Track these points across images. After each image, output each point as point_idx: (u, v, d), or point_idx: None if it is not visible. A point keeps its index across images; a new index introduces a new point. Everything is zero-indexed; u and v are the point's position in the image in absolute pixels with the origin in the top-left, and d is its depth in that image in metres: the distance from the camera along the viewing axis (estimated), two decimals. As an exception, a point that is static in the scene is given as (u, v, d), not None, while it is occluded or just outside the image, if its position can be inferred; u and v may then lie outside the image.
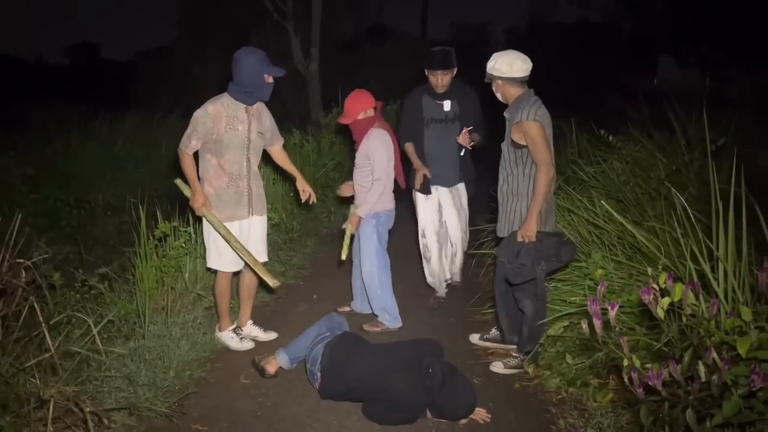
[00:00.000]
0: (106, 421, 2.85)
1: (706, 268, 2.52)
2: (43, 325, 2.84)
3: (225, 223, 3.70)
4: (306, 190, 4.12)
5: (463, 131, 4.31)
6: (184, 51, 18.74)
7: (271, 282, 3.78)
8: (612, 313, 2.25)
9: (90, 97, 15.01)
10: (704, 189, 4.14)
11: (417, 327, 4.37)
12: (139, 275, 4.03)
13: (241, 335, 4.06)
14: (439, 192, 4.60)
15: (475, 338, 4.15)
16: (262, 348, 3.98)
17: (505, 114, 3.54)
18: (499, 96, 3.56)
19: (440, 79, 4.27)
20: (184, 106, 12.62)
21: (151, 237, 4.06)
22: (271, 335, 4.16)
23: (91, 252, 5.78)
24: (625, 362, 2.23)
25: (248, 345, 4.01)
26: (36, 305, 2.87)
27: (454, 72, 4.31)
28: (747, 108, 6.21)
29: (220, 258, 3.84)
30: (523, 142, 3.38)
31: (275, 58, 3.64)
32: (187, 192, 3.78)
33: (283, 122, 10.14)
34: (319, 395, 3.37)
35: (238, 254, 3.74)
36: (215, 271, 3.96)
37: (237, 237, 3.73)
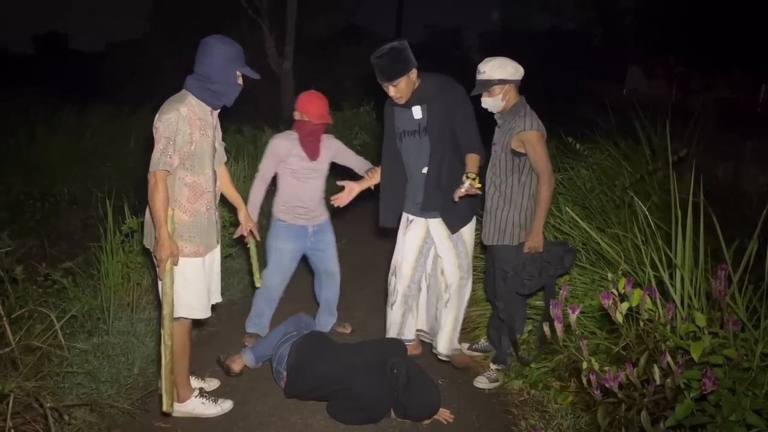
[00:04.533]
0: (66, 417, 2.82)
1: (665, 275, 2.60)
2: (4, 318, 2.79)
3: (201, 258, 3.00)
4: (248, 226, 3.51)
5: (461, 187, 3.09)
6: (155, 44, 18.50)
7: (166, 405, 2.89)
8: (573, 317, 2.30)
9: (57, 89, 14.70)
10: (667, 198, 4.24)
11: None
12: (105, 271, 3.98)
13: (209, 395, 3.28)
14: (429, 223, 3.62)
15: (464, 348, 4.00)
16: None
17: (498, 119, 3.48)
18: (497, 103, 3.40)
19: (393, 91, 3.37)
20: (155, 100, 12.51)
21: (118, 232, 4.01)
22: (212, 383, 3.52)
23: (54, 246, 5.66)
24: (584, 365, 2.29)
25: (227, 405, 3.28)
26: (-4, 298, 2.82)
27: (411, 74, 3.32)
28: (709, 120, 6.38)
29: (190, 302, 2.99)
30: (522, 150, 3.32)
31: (249, 56, 3.14)
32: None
33: (255, 121, 10.15)
34: (284, 394, 3.38)
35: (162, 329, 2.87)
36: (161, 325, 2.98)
37: (208, 269, 3.08)
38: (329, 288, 4.18)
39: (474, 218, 3.67)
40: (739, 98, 7.96)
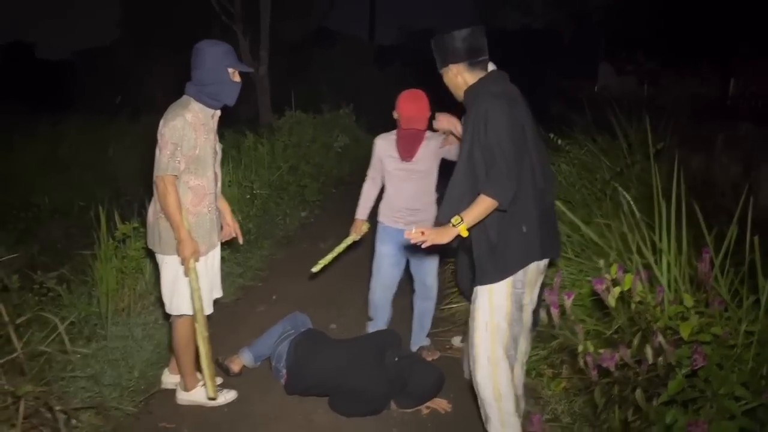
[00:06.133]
0: (74, 421, 2.86)
1: (651, 260, 2.74)
2: (9, 325, 2.82)
3: (203, 257, 3.12)
4: (236, 232, 3.47)
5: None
6: (126, 51, 18.34)
7: (210, 392, 3.15)
8: (567, 302, 2.42)
9: (28, 98, 14.51)
10: (645, 190, 4.40)
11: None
12: (99, 277, 4.01)
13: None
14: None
15: (456, 341, 4.11)
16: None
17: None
18: None
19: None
20: (131, 108, 12.49)
21: (111, 239, 4.04)
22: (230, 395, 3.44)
23: (40, 255, 5.66)
24: (580, 347, 2.41)
25: (231, 395, 3.39)
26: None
27: (449, 70, 2.69)
28: (681, 114, 6.57)
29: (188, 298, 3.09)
30: None
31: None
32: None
33: (233, 125, 10.15)
34: (285, 391, 3.45)
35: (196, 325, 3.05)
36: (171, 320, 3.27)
37: (210, 267, 3.22)
38: (422, 301, 3.88)
39: None
40: (708, 92, 8.24)
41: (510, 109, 2.47)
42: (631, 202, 3.25)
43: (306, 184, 8.13)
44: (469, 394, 3.51)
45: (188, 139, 2.89)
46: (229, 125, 10.48)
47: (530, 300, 2.64)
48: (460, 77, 2.65)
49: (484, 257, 2.58)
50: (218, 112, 3.11)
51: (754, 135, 5.77)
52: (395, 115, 3.47)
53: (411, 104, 3.40)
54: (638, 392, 2.23)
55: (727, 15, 10.35)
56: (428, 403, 3.34)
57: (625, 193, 3.43)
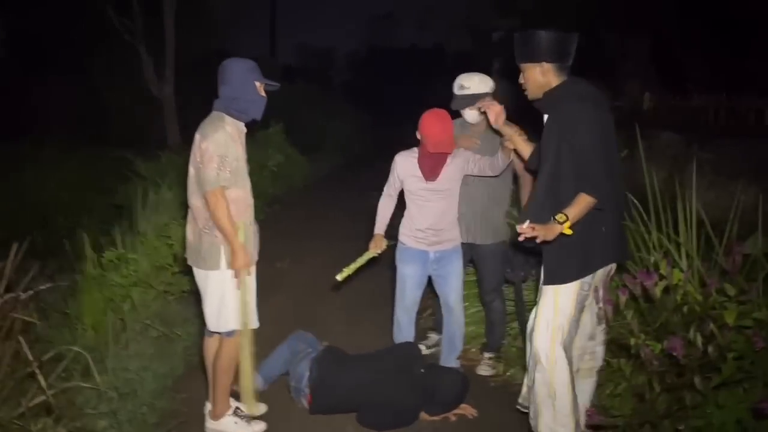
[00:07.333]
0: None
1: (675, 255, 2.98)
2: (34, 363, 2.61)
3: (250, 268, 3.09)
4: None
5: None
6: (13, 73, 17.01)
7: (248, 408, 3.19)
8: (622, 299, 2.58)
9: None
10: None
11: (371, 330, 4.52)
12: (82, 308, 3.75)
13: (243, 415, 3.22)
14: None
15: (422, 349, 4.14)
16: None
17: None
18: (477, 115, 3.55)
19: (521, 77, 2.83)
20: (29, 136, 11.52)
21: (96, 266, 3.80)
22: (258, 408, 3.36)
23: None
24: (633, 341, 2.57)
25: (260, 428, 3.23)
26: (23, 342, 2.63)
27: (536, 68, 2.72)
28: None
29: (239, 314, 3.05)
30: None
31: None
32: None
33: (138, 147, 9.61)
34: (309, 410, 3.38)
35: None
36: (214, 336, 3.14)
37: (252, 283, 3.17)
38: (447, 325, 3.71)
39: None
40: (623, 106, 8.95)
41: (596, 111, 2.59)
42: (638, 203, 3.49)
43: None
44: (486, 397, 3.62)
45: (232, 150, 2.92)
46: (132, 146, 9.93)
47: (590, 301, 2.72)
48: (546, 76, 2.69)
49: (559, 257, 2.62)
50: (244, 127, 3.12)
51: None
52: (418, 135, 3.41)
53: (438, 126, 3.31)
54: (697, 379, 2.41)
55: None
56: (455, 410, 3.40)
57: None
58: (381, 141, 15.37)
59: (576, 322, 2.71)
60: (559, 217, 2.47)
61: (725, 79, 7.78)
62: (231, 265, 2.94)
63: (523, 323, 3.60)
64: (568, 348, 2.70)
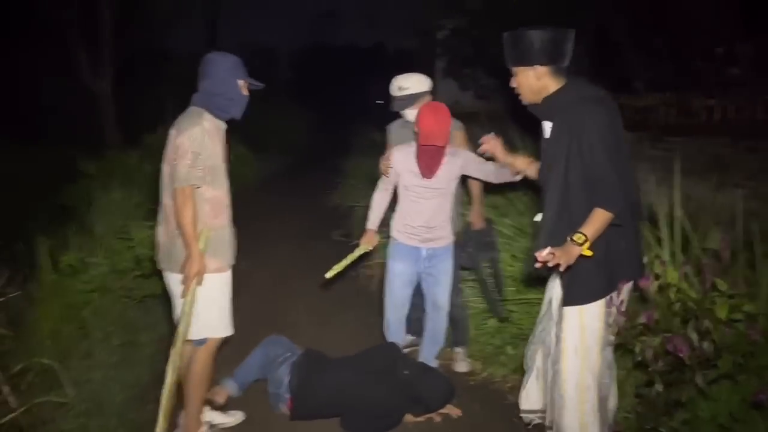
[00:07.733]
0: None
1: (664, 255, 3.01)
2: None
3: (224, 273, 2.95)
4: None
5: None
6: None
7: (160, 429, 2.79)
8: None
9: None
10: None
11: (342, 331, 4.45)
12: (40, 317, 3.50)
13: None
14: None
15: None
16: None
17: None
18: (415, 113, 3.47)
19: (513, 81, 2.66)
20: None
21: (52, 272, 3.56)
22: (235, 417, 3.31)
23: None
24: (638, 347, 2.54)
25: (239, 415, 3.29)
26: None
27: (530, 71, 2.54)
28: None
29: (213, 321, 2.91)
30: None
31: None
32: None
33: (77, 145, 9.13)
34: (289, 416, 3.25)
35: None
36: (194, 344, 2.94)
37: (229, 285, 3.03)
38: (432, 321, 3.63)
39: None
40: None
41: (609, 116, 2.40)
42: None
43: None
44: (470, 396, 3.58)
45: (207, 147, 2.76)
46: (70, 144, 9.37)
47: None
48: (540, 81, 2.49)
49: (580, 275, 2.42)
50: (224, 125, 2.96)
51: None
52: (415, 128, 3.28)
53: (430, 118, 3.16)
54: (698, 375, 2.42)
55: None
56: (440, 410, 3.34)
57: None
58: (328, 139, 15.26)
59: (608, 343, 2.53)
60: (577, 237, 2.30)
61: (672, 79, 7.98)
62: (183, 269, 2.74)
63: (493, 302, 3.78)
64: (603, 374, 2.55)
